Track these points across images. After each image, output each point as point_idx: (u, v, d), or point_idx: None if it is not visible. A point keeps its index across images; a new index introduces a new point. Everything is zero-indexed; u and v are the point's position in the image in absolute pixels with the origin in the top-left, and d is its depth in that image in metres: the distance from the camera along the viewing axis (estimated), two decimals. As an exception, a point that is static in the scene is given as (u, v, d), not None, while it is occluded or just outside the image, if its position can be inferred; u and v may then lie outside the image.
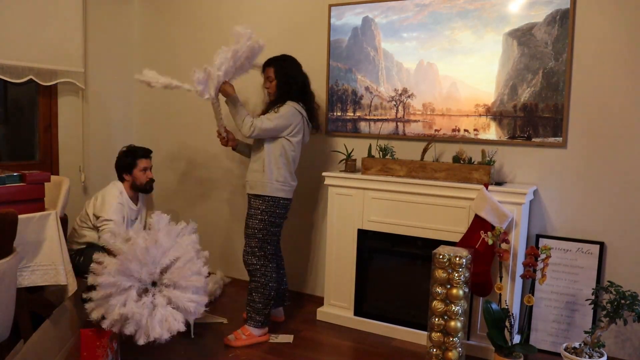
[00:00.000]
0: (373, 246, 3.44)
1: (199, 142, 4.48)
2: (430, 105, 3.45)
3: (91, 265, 2.63)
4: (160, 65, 4.63)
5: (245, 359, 3.01)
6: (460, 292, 2.81)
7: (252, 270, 3.28)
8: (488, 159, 3.15)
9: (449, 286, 2.84)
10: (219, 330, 3.38)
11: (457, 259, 2.81)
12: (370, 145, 3.49)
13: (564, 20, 3.03)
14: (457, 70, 3.35)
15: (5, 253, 2.36)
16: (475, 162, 3.16)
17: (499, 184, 3.11)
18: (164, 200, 4.62)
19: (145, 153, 3.55)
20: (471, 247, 2.96)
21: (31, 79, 3.85)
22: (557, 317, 3.13)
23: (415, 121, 3.51)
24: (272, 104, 3.31)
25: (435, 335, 2.87)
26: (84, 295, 2.65)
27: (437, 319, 2.87)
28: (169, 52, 4.57)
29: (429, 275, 2.96)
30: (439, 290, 2.85)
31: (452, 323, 2.82)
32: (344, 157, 3.57)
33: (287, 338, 3.27)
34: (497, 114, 3.26)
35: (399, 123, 3.57)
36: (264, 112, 3.35)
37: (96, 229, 3.29)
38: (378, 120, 3.63)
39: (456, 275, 2.81)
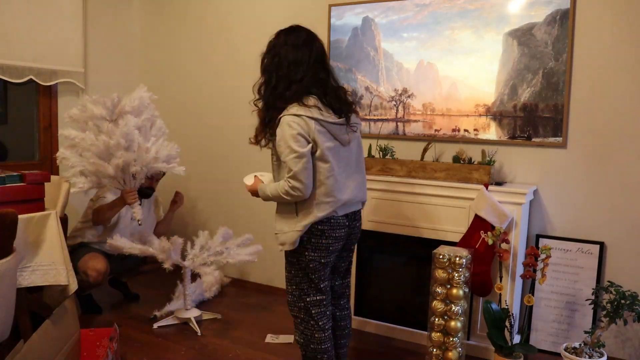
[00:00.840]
0: (373, 246, 3.44)
1: (199, 141, 4.48)
2: (430, 105, 3.45)
3: None
4: (160, 65, 4.64)
5: (246, 359, 3.01)
6: (460, 292, 2.81)
7: (295, 322, 2.50)
8: (488, 159, 3.15)
9: (449, 286, 2.84)
10: (218, 330, 3.38)
11: (457, 259, 2.81)
12: (370, 145, 3.49)
13: (564, 20, 3.03)
14: (457, 70, 3.35)
15: (5, 253, 2.36)
16: (475, 162, 3.16)
17: (499, 184, 3.11)
18: (162, 198, 4.62)
19: None
20: (471, 247, 2.96)
21: (31, 79, 3.85)
22: (557, 317, 3.13)
23: (415, 121, 3.51)
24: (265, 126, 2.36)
25: (435, 335, 2.87)
26: None
27: (437, 319, 2.87)
28: (169, 52, 4.57)
29: (429, 275, 2.96)
30: (439, 290, 2.85)
31: (452, 323, 2.82)
32: (344, 157, 3.57)
33: (288, 338, 3.27)
34: (497, 114, 3.26)
35: (399, 123, 3.57)
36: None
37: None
38: (378, 120, 3.63)
39: (456, 275, 2.81)
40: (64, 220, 3.22)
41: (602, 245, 3.03)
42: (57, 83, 4.06)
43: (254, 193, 2.49)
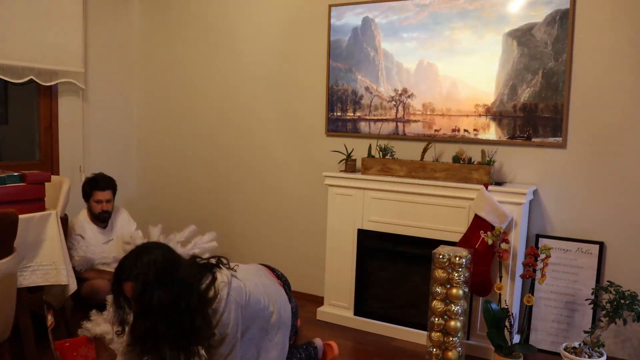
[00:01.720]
0: (373, 246, 3.44)
1: (199, 141, 4.48)
2: (430, 105, 3.46)
3: None
4: (160, 65, 4.64)
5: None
6: (460, 292, 2.81)
7: None
8: (488, 159, 3.15)
9: (448, 286, 2.84)
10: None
11: (457, 259, 2.81)
12: (370, 145, 3.49)
13: (563, 21, 3.03)
14: (457, 70, 3.35)
15: (6, 253, 2.36)
16: (475, 162, 3.16)
17: (498, 184, 3.11)
18: (163, 199, 4.62)
19: (104, 185, 3.56)
20: (471, 247, 2.96)
21: (31, 79, 3.85)
22: (557, 317, 3.13)
23: (415, 121, 3.52)
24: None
25: (435, 335, 2.88)
26: None
27: (437, 319, 2.87)
28: (169, 52, 4.57)
29: (428, 275, 2.96)
30: (438, 290, 2.86)
31: (452, 323, 2.83)
32: (344, 157, 3.57)
33: None
34: (497, 114, 3.26)
35: (398, 123, 3.57)
36: None
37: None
38: (378, 120, 3.64)
39: (456, 275, 2.82)
40: (64, 220, 3.22)
41: (601, 245, 3.03)
42: (57, 83, 4.06)
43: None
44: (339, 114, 3.77)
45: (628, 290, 2.70)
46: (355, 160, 3.54)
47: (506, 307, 2.95)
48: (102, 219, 3.62)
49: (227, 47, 4.27)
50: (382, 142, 3.51)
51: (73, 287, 2.92)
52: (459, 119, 3.37)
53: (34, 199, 2.82)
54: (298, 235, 4.02)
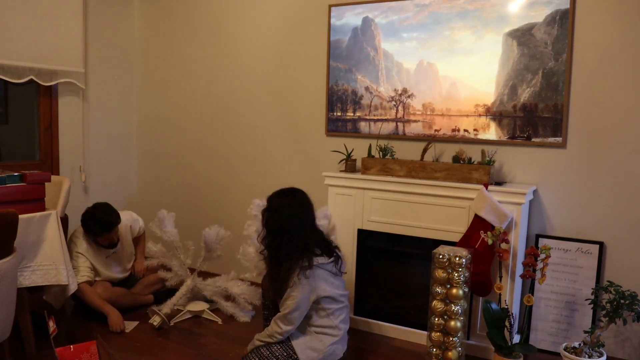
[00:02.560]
0: (373, 246, 3.44)
1: (200, 141, 4.49)
2: (430, 105, 3.46)
3: None
4: (160, 65, 4.64)
5: None
6: (460, 292, 2.82)
7: None
8: (488, 159, 3.15)
9: (448, 286, 2.84)
10: (218, 330, 3.38)
11: (457, 258, 2.81)
12: (370, 145, 3.50)
13: (563, 21, 3.03)
14: (457, 70, 3.35)
15: (6, 253, 2.37)
16: (475, 162, 3.16)
17: (498, 184, 3.11)
18: (162, 198, 4.62)
19: (110, 228, 3.44)
20: (471, 247, 2.96)
21: (31, 79, 3.85)
22: (557, 317, 3.13)
23: (415, 121, 3.52)
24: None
25: (435, 335, 2.88)
26: None
27: (437, 319, 2.87)
28: (169, 52, 4.57)
29: (428, 275, 2.96)
30: (438, 290, 2.86)
31: (452, 323, 2.83)
32: (344, 157, 3.57)
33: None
34: (497, 114, 3.26)
35: (398, 123, 3.57)
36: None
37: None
38: (378, 120, 3.64)
39: (456, 275, 2.82)
40: (64, 220, 3.22)
41: (601, 245, 3.03)
42: (57, 83, 4.06)
43: None
44: (339, 114, 3.78)
45: (628, 290, 2.70)
46: (355, 160, 3.54)
47: (506, 307, 2.95)
48: (107, 247, 3.55)
49: (227, 47, 4.27)
50: (382, 142, 3.51)
51: (73, 287, 2.93)
52: (459, 119, 3.37)
53: (34, 199, 2.82)
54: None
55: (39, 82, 3.91)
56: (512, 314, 2.91)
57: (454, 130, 3.39)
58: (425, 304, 3.00)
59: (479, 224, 2.99)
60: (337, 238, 3.50)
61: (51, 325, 2.64)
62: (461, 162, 3.19)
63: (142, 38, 4.71)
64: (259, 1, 4.11)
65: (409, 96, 3.52)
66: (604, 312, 2.76)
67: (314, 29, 3.85)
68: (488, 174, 3.07)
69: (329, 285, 2.64)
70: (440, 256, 2.85)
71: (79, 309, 3.56)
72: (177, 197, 4.63)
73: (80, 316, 3.51)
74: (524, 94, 3.17)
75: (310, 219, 2.73)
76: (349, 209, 3.44)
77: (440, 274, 2.85)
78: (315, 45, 3.84)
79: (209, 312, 3.56)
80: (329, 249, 2.72)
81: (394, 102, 3.58)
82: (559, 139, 3.10)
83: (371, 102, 3.65)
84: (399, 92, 3.55)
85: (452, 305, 2.83)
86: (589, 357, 2.72)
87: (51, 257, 2.79)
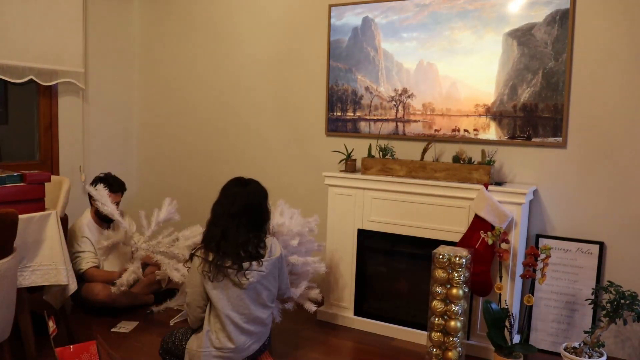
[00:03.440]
0: (373, 246, 3.44)
1: (199, 141, 4.49)
2: (430, 105, 3.46)
3: None
4: (160, 65, 4.64)
5: None
6: (460, 292, 2.81)
7: None
8: (488, 159, 3.15)
9: (448, 286, 2.84)
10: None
11: (457, 259, 2.81)
12: (370, 145, 3.49)
13: (563, 21, 3.03)
14: (457, 70, 3.35)
15: (6, 253, 2.36)
16: (475, 162, 3.16)
17: (498, 184, 3.11)
18: (163, 198, 4.62)
19: (116, 188, 3.62)
20: (471, 247, 2.96)
21: (31, 79, 3.85)
22: (557, 317, 3.13)
23: (415, 121, 3.52)
24: None
25: (435, 335, 2.88)
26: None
27: (437, 319, 2.87)
28: (169, 52, 4.57)
29: (428, 275, 2.96)
30: (438, 290, 2.86)
31: (452, 323, 2.83)
32: (344, 157, 3.57)
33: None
34: (497, 114, 3.26)
35: (399, 123, 3.57)
36: None
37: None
38: (378, 120, 3.64)
39: (456, 275, 2.82)
40: (64, 220, 3.22)
41: (601, 245, 3.03)
42: (57, 83, 4.06)
43: None
44: (339, 113, 3.77)
45: (628, 290, 2.70)
46: (355, 160, 3.54)
47: (506, 307, 2.95)
48: (108, 220, 3.62)
49: (227, 48, 4.27)
50: (382, 142, 3.51)
51: (73, 287, 2.92)
52: (459, 119, 3.37)
53: (34, 199, 2.82)
54: (298, 235, 4.01)
55: (39, 82, 3.91)
56: (512, 314, 2.91)
57: (454, 130, 3.39)
58: (425, 304, 3.00)
59: (479, 224, 2.99)
60: (338, 238, 3.50)
61: (51, 325, 2.64)
62: (461, 162, 3.19)
63: (142, 38, 4.71)
64: (259, 1, 4.11)
65: (409, 96, 3.52)
66: (604, 312, 2.76)
67: (314, 29, 3.85)
68: (488, 174, 3.07)
69: (222, 295, 2.50)
70: (440, 256, 2.85)
71: (79, 309, 3.56)
72: (177, 196, 4.61)
73: (80, 316, 3.50)
74: (524, 94, 3.17)
75: (239, 211, 2.62)
76: (349, 209, 3.44)
77: (440, 274, 2.85)
78: (316, 45, 3.84)
79: None
80: (251, 254, 2.55)
81: (394, 102, 3.58)
82: (559, 139, 3.10)
83: (371, 102, 3.65)
84: (399, 92, 3.55)
85: (452, 305, 2.83)
86: (589, 357, 2.72)
87: (51, 257, 2.78)
